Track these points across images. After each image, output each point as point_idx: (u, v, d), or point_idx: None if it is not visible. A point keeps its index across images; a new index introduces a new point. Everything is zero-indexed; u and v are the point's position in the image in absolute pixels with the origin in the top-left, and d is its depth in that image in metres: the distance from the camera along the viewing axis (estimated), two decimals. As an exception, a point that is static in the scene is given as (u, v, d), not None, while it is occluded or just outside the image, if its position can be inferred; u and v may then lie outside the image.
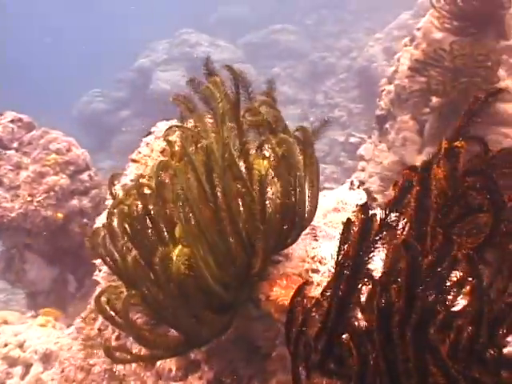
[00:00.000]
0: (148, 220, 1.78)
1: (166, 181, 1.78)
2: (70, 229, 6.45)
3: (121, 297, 1.82)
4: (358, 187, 2.83)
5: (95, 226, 2.66)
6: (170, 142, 1.93)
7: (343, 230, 1.44)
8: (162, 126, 2.95)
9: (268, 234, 1.70)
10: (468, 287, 1.42)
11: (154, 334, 1.86)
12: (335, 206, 2.49)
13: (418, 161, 5.88)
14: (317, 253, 1.96)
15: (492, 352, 1.45)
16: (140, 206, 1.77)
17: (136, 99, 14.55)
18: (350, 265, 1.43)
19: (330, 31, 14.71)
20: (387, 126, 6.56)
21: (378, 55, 11.93)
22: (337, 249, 1.46)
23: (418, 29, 5.98)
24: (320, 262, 1.92)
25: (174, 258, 1.63)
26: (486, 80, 5.05)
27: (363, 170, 7.14)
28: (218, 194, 1.64)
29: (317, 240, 2.18)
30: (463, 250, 1.41)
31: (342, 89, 13.30)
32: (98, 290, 2.84)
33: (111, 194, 1.99)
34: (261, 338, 2.11)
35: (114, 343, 2.86)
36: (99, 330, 3.24)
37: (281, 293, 1.84)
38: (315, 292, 1.89)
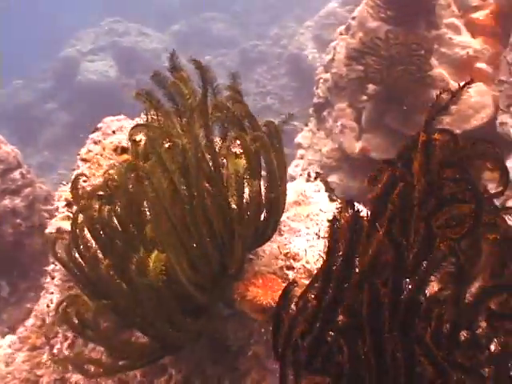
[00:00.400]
0: (118, 225, 1.69)
1: (134, 182, 1.70)
2: (3, 230, 6.10)
3: (87, 306, 1.73)
4: (315, 179, 2.84)
5: (49, 229, 2.51)
6: (135, 142, 1.84)
7: (330, 227, 1.43)
8: (109, 122, 2.82)
9: (246, 233, 1.67)
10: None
11: (125, 343, 1.78)
12: (296, 199, 2.49)
13: (356, 148, 6.03)
14: (289, 249, 1.95)
15: (466, 335, 1.50)
16: (107, 210, 1.67)
17: (62, 91, 13.90)
18: (342, 264, 1.42)
19: (260, 19, 14.71)
20: (325, 113, 6.66)
21: (308, 43, 12.08)
22: (324, 247, 1.45)
23: (353, 18, 6.09)
24: (294, 259, 1.91)
25: (151, 264, 1.56)
26: (420, 68, 5.23)
27: (302, 158, 7.22)
28: (193, 194, 1.58)
29: (282, 235, 2.17)
30: (445, 241, 1.44)
31: (273, 76, 13.38)
32: (51, 297, 2.70)
33: (74, 198, 1.88)
34: (233, 337, 2.08)
35: (66, 352, 2.73)
36: (47, 338, 3.08)
37: (257, 292, 1.82)
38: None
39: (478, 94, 5.34)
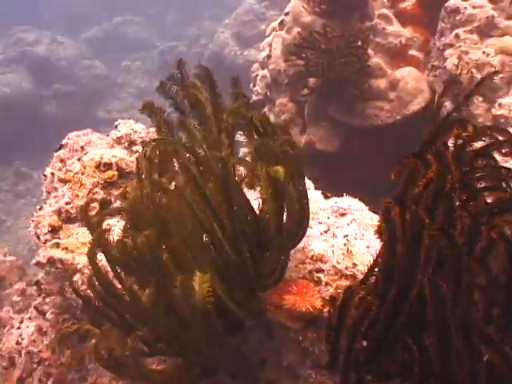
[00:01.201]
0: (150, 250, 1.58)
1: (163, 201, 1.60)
2: None
3: (120, 340, 1.62)
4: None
5: (38, 259, 2.31)
6: (150, 159, 1.73)
7: (388, 228, 1.42)
8: (75, 138, 2.65)
9: (285, 243, 1.63)
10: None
11: (164, 373, 1.69)
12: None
13: (302, 141, 6.11)
14: (313, 251, 1.93)
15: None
16: (144, 235, 1.56)
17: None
18: (402, 265, 1.42)
19: (175, 19, 14.48)
20: (266, 110, 6.68)
21: (229, 41, 12.05)
22: (382, 248, 1.45)
23: (287, 13, 6.13)
24: (321, 261, 1.89)
25: (197, 287, 1.48)
26: (360, 59, 5.38)
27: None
28: (234, 209, 1.52)
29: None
30: (493, 228, 1.47)
31: (196, 77, 13.21)
32: (20, 332, 2.48)
33: (87, 224, 1.74)
34: (259, 349, 2.03)
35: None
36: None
37: (295, 299, 1.78)
38: (327, 292, 1.87)
39: (414, 80, 5.58)
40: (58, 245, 2.32)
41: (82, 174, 2.47)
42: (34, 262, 2.31)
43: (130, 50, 13.73)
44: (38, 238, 2.41)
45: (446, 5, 5.20)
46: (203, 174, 1.55)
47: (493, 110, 4.80)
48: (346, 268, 1.89)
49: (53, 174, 2.56)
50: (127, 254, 1.57)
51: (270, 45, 6.43)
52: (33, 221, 2.47)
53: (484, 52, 4.85)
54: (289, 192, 1.61)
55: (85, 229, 2.45)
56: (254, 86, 6.88)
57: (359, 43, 5.42)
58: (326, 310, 1.85)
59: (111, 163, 2.49)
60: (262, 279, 1.72)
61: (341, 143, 5.90)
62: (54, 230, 2.38)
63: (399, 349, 1.50)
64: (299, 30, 5.86)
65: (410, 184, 1.60)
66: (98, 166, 2.48)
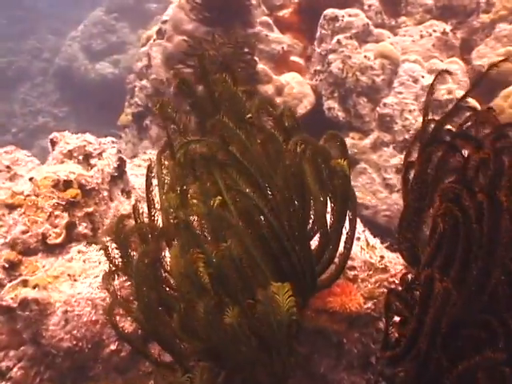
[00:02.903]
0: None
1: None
2: None
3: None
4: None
5: (8, 303, 1.86)
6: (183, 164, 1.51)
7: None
8: (19, 155, 2.24)
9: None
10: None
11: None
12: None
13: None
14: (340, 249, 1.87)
15: None
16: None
17: None
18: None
19: (8, 33, 13.18)
20: (147, 121, 6.42)
21: (78, 54, 11.35)
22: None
23: (164, 22, 5.97)
24: (351, 259, 1.84)
25: (280, 298, 1.33)
26: (249, 65, 5.44)
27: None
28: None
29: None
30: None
31: (41, 94, 12.24)
32: None
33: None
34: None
35: None
36: None
37: (342, 300, 1.70)
38: (365, 288, 1.82)
39: (298, 85, 5.80)
40: (25, 283, 1.92)
41: (37, 195, 2.08)
42: (4, 304, 1.86)
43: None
44: (-6, 277, 1.96)
45: (325, 13, 5.49)
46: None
47: (378, 109, 5.18)
48: (377, 261, 1.86)
49: (-11, 200, 2.11)
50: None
51: (148, 54, 6.18)
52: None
53: (365, 56, 5.22)
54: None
55: (52, 259, 2.08)
56: (132, 97, 6.57)
57: (246, 50, 5.48)
58: (366, 306, 1.80)
59: (71, 180, 2.13)
60: (316, 281, 1.61)
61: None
62: (13, 266, 1.97)
63: (477, 328, 1.51)
64: (181, 37, 5.74)
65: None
66: (55, 185, 2.10)
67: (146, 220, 1.68)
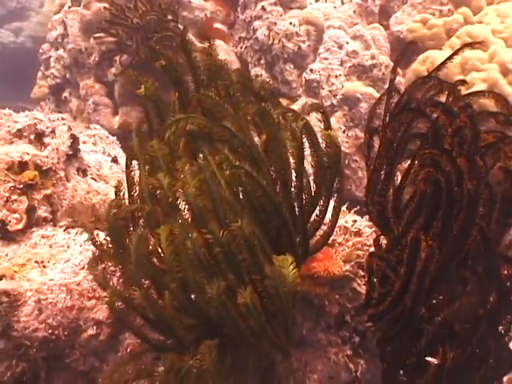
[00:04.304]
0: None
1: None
2: None
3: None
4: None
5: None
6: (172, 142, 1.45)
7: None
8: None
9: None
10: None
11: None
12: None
13: (115, 123, 5.76)
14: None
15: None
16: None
17: None
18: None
19: None
20: (66, 94, 6.09)
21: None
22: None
23: (79, -13, 5.61)
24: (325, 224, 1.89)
25: (285, 271, 1.36)
26: (175, 33, 5.28)
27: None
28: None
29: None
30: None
31: None
32: None
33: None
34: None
35: None
36: None
37: (325, 265, 1.77)
38: (343, 252, 1.89)
39: (224, 53, 5.73)
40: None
41: (-10, 178, 1.92)
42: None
43: None
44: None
45: (248, -21, 5.43)
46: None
47: (305, 75, 5.26)
48: (351, 226, 1.94)
49: None
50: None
51: (63, 22, 5.81)
52: None
53: (291, 23, 5.25)
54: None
55: (15, 247, 1.94)
56: (47, 69, 6.18)
57: (170, 17, 5.31)
58: (345, 269, 1.89)
59: (26, 162, 1.99)
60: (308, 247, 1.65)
61: (158, 121, 5.75)
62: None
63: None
64: (100, 5, 5.44)
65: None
66: (10, 168, 1.95)
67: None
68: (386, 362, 1.87)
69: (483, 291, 1.62)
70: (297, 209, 1.56)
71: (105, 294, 1.89)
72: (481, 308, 1.61)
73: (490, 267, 1.67)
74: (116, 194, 1.63)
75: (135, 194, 1.62)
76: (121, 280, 1.73)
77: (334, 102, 5.09)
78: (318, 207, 1.66)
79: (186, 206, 1.39)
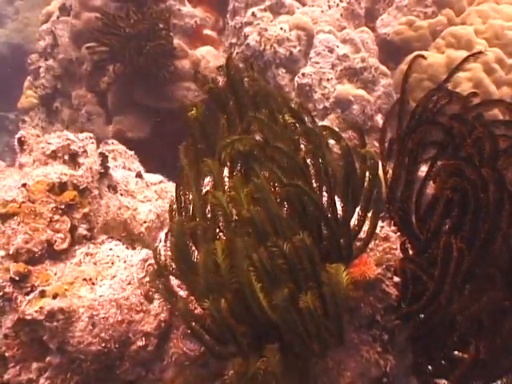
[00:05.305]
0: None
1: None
2: None
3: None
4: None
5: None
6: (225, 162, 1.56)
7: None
8: None
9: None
10: None
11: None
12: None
13: (109, 131, 5.81)
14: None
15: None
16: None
17: None
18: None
19: None
20: (57, 104, 6.11)
21: None
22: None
23: (67, -3, 5.64)
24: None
25: (339, 279, 1.49)
26: (167, 41, 5.36)
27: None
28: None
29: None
30: None
31: None
32: None
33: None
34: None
35: None
36: None
37: (361, 269, 1.90)
38: (374, 257, 2.03)
39: (214, 59, 5.84)
40: (42, 293, 1.86)
41: (32, 201, 1.99)
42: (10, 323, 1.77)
43: None
44: (5, 294, 1.87)
45: (237, -15, 5.53)
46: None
47: (297, 79, 5.39)
48: (379, 231, 2.07)
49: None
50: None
51: (52, 32, 5.82)
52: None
53: (281, 28, 5.37)
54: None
55: (61, 265, 2.02)
56: (36, 79, 6.18)
57: (162, 26, 5.38)
58: (377, 272, 2.02)
59: (65, 182, 2.07)
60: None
61: (152, 128, 5.83)
62: (23, 278, 1.89)
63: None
64: (91, 14, 5.48)
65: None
66: (50, 189, 2.02)
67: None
68: (417, 356, 2.02)
69: (508, 286, 1.78)
70: (341, 220, 1.69)
71: (151, 306, 2.00)
72: (507, 301, 1.76)
73: (510, 263, 1.83)
74: (170, 212, 1.73)
75: (186, 212, 1.72)
76: (184, 293, 1.82)
77: (327, 104, 5.23)
78: (357, 216, 1.79)
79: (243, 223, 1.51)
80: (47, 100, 6.15)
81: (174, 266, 1.63)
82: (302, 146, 1.65)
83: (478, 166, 1.70)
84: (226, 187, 1.59)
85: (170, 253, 1.63)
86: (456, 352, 1.99)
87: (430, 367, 2.07)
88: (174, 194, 1.75)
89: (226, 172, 1.66)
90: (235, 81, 1.74)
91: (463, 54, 5.15)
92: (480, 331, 1.79)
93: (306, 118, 1.76)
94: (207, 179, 1.73)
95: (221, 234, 1.61)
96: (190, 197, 1.68)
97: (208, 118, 1.70)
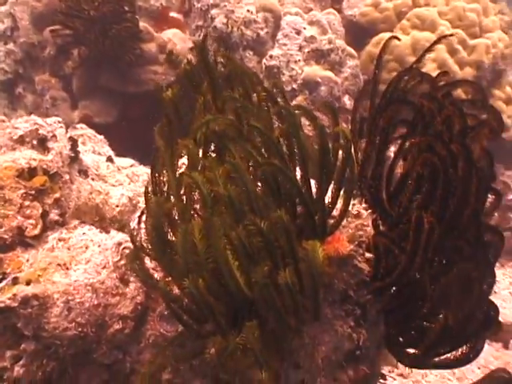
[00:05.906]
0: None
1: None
2: None
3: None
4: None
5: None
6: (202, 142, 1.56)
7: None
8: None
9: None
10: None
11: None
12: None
13: (76, 117, 5.70)
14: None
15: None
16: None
17: None
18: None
19: None
20: (20, 89, 5.95)
21: None
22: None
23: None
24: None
25: (315, 255, 1.52)
26: (133, 23, 5.27)
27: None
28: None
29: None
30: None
31: None
32: None
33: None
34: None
35: None
36: None
37: (335, 246, 1.94)
38: (346, 234, 2.07)
39: (181, 41, 5.78)
40: (15, 280, 1.83)
41: (1, 188, 1.95)
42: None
43: None
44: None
45: (203, -33, 5.46)
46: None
47: (264, 61, 5.38)
48: (352, 209, 2.11)
49: None
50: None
51: (12, 15, 5.65)
52: None
53: (248, 10, 5.34)
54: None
55: (33, 252, 1.99)
56: (-4, 64, 5.99)
57: (126, 8, 5.28)
58: (349, 248, 2.06)
59: (35, 167, 2.02)
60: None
61: (119, 112, 5.75)
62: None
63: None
64: (53, -4, 5.33)
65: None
66: (20, 175, 1.98)
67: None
68: (389, 329, 2.08)
69: (475, 257, 1.85)
70: (315, 197, 1.71)
71: (127, 289, 2.00)
72: (474, 271, 1.83)
73: (477, 236, 1.90)
74: (145, 194, 1.72)
75: (162, 193, 1.71)
76: (160, 274, 1.82)
77: (295, 86, 5.25)
78: (330, 194, 1.82)
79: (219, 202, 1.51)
80: (9, 85, 5.98)
81: (150, 248, 1.63)
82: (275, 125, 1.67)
83: (447, 142, 1.75)
84: (201, 167, 1.59)
85: (144, 235, 1.63)
86: (426, 323, 2.06)
87: (401, 339, 2.13)
88: (148, 176, 1.73)
89: (200, 152, 1.66)
90: (209, 61, 1.73)
91: (427, 35, 5.23)
92: (449, 301, 1.86)
93: (279, 98, 1.77)
94: (182, 160, 1.72)
95: (195, 215, 1.62)
96: (166, 178, 1.68)
97: (182, 99, 1.69)
